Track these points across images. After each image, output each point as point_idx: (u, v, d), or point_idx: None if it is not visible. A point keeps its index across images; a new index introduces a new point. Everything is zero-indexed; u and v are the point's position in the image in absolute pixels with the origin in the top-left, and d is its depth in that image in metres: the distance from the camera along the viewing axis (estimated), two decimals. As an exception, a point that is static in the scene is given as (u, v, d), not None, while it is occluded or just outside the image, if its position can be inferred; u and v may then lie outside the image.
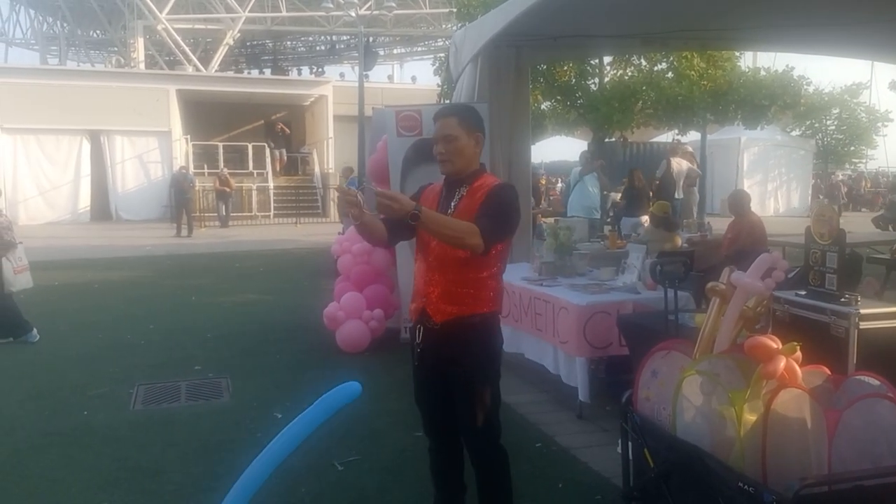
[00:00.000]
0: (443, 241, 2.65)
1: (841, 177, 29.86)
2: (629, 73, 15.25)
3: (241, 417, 4.77)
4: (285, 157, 25.26)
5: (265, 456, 2.29)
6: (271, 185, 23.80)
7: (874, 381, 2.30)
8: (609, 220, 13.30)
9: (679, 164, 13.19)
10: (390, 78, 37.65)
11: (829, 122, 23.46)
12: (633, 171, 12.88)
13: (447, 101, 8.32)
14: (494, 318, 2.85)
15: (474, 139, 2.80)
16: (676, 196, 12.86)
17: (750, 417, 2.25)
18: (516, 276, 5.41)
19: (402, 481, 3.80)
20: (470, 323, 2.76)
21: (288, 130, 25.52)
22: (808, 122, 23.20)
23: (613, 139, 17.09)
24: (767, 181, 24.68)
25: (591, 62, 14.20)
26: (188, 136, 23.58)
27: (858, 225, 15.00)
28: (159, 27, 29.73)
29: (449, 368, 2.79)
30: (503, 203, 2.70)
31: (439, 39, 36.91)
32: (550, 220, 10.31)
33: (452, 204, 2.79)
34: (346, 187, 2.66)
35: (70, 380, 5.66)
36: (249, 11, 31.66)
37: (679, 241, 7.32)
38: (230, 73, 31.71)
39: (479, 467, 2.85)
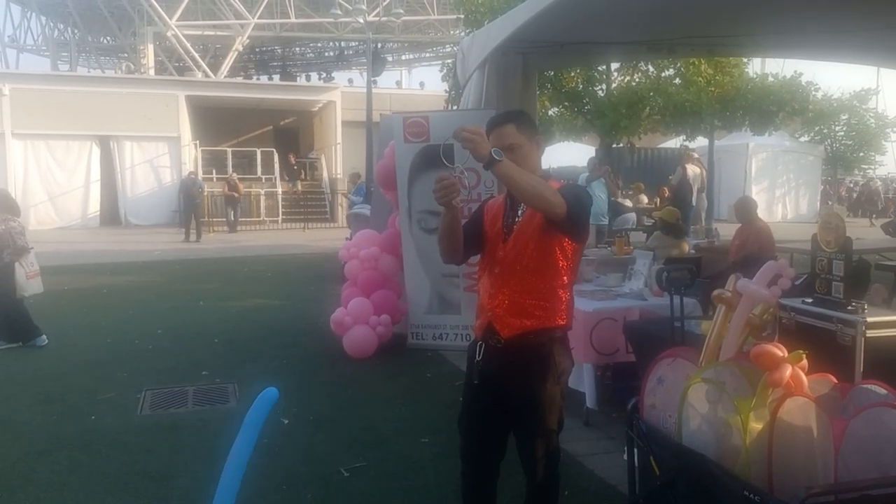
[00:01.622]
0: (521, 191, 2.37)
1: (880, 183, 29.71)
2: (636, 80, 15.25)
3: (248, 423, 4.78)
4: (300, 188, 24.92)
5: (224, 484, 2.18)
6: (279, 190, 23.90)
7: (881, 390, 2.29)
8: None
9: (693, 170, 13.19)
10: (398, 84, 37.74)
11: (837, 128, 23.45)
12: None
13: (455, 108, 8.35)
14: (564, 337, 2.69)
15: (536, 143, 2.65)
16: (693, 202, 12.88)
17: (756, 426, 2.24)
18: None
19: (408, 488, 3.80)
20: (537, 342, 2.60)
21: (301, 171, 25.06)
22: (816, 128, 23.19)
23: (621, 145, 17.07)
24: (775, 187, 24.60)
25: (599, 68, 14.20)
26: (197, 142, 23.72)
27: (867, 231, 14.92)
28: (169, 33, 29.96)
29: (510, 391, 2.63)
30: (575, 188, 2.58)
31: (447, 45, 37.02)
32: None
33: (519, 211, 2.64)
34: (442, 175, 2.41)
35: (78, 384, 5.69)
36: (258, 18, 31.86)
37: (686, 248, 7.30)
38: (239, 79, 31.88)
39: (535, 493, 2.71)
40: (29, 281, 6.92)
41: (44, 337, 6.89)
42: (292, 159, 24.59)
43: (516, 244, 2.61)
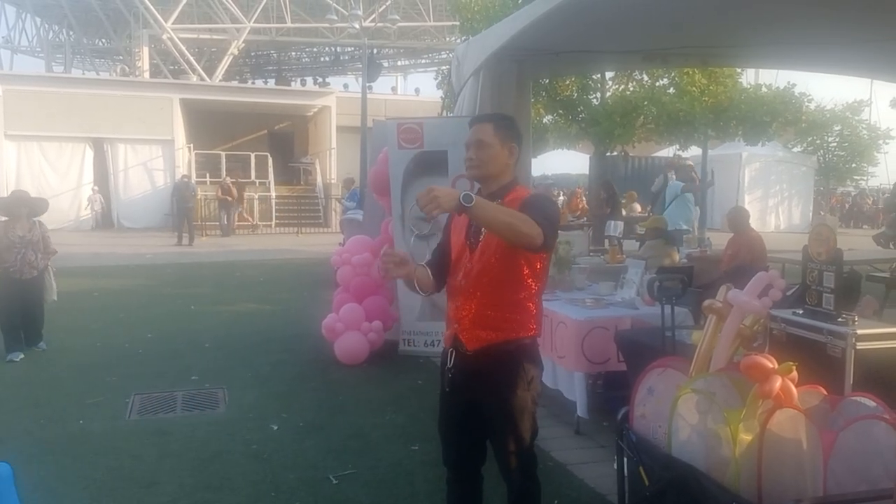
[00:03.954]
0: (497, 231, 2.38)
1: None
2: (631, 88, 15.30)
3: (237, 428, 4.76)
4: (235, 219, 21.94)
5: None
6: (273, 194, 23.86)
7: (871, 403, 2.29)
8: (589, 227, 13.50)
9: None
10: (394, 89, 37.86)
11: (830, 139, 23.57)
12: (606, 183, 13.51)
13: (449, 114, 8.38)
14: (532, 343, 2.68)
15: (508, 149, 2.66)
16: None
17: (745, 437, 2.23)
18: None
19: (397, 495, 3.78)
20: (505, 350, 2.59)
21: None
22: (809, 139, 23.30)
23: (615, 153, 17.12)
24: (768, 197, 24.68)
25: (593, 77, 14.24)
26: (191, 145, 23.66)
27: (860, 242, 14.98)
28: (164, 36, 29.92)
29: (481, 399, 2.63)
30: (544, 203, 2.56)
31: (443, 52, 37.15)
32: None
33: None
34: (388, 250, 2.48)
35: (67, 388, 5.65)
36: (254, 22, 31.88)
37: (677, 257, 7.32)
38: (234, 83, 31.89)
39: (515, 501, 2.71)
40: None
41: (43, 343, 6.81)
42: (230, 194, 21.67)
43: (482, 257, 2.60)
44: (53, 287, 6.93)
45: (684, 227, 11.03)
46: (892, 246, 13.79)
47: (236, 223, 21.76)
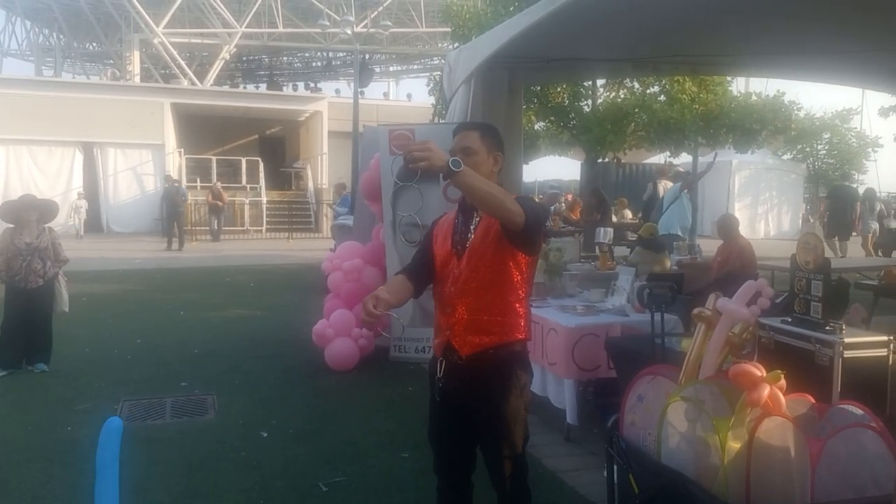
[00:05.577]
0: (480, 200, 2.39)
1: None
2: (622, 96, 15.37)
3: (226, 435, 4.73)
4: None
5: None
6: (264, 199, 23.80)
7: (858, 411, 2.30)
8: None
9: (665, 187, 13.29)
10: (386, 95, 37.87)
11: (820, 147, 23.72)
12: (596, 191, 13.60)
13: (441, 120, 8.42)
14: (523, 349, 2.69)
15: (493, 158, 2.67)
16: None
17: (734, 445, 2.24)
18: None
19: (387, 503, 3.77)
20: (497, 356, 2.60)
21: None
22: (799, 147, 23.44)
23: (606, 160, 17.18)
24: (758, 204, 24.83)
25: (585, 84, 14.31)
26: (182, 150, 23.58)
27: (850, 250, 15.05)
28: (155, 41, 29.86)
29: (474, 407, 2.63)
30: (529, 199, 2.59)
31: (435, 58, 37.22)
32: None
33: (472, 227, 2.63)
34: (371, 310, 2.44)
35: (55, 394, 5.61)
36: (246, 27, 31.85)
37: (668, 263, 7.34)
38: (225, 88, 31.84)
39: None
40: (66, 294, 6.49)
41: (43, 364, 6.33)
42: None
43: (470, 261, 2.61)
44: (65, 297, 6.50)
45: (680, 233, 10.98)
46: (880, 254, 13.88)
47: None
